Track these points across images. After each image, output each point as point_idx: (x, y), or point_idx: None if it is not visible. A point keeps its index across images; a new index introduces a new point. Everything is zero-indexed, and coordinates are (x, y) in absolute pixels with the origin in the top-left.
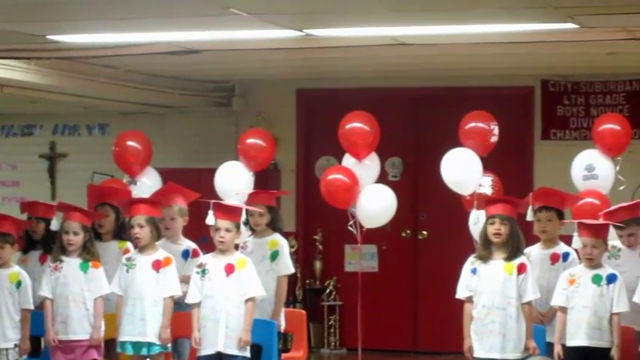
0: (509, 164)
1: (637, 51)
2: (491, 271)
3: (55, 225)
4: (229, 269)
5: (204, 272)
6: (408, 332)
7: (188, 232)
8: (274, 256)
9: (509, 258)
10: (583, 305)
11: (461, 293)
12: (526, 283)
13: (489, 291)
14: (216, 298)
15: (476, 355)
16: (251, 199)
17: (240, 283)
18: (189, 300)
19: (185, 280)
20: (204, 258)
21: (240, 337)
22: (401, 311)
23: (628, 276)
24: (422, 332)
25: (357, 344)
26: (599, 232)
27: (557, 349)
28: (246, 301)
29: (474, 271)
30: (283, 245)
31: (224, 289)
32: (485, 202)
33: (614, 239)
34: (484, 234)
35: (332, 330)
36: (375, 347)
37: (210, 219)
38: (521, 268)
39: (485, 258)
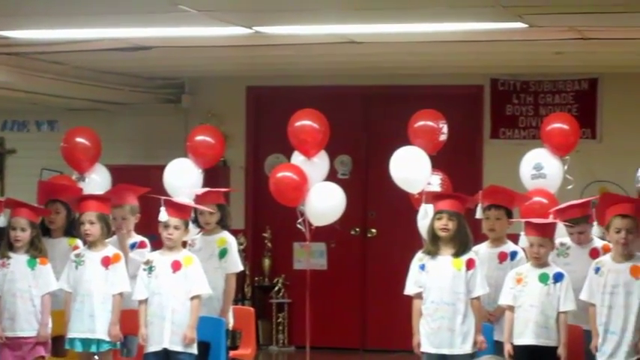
0: (458, 163)
1: (586, 50)
2: (440, 266)
3: (2, 221)
4: (176, 266)
5: (151, 269)
6: (357, 330)
7: (136, 229)
8: (223, 253)
9: (458, 254)
10: (530, 304)
11: (409, 289)
12: (475, 278)
13: (438, 287)
14: (163, 295)
15: (425, 350)
16: (201, 199)
17: (186, 280)
18: (135, 297)
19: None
20: (151, 255)
21: (185, 334)
22: (349, 309)
23: (577, 274)
24: (370, 330)
25: (306, 342)
26: (546, 231)
27: (508, 348)
28: (192, 298)
29: (422, 267)
30: (232, 243)
31: (170, 286)
32: (433, 197)
33: (562, 236)
34: (432, 229)
35: (280, 327)
36: (323, 345)
37: (163, 215)
38: (470, 264)
39: (433, 254)
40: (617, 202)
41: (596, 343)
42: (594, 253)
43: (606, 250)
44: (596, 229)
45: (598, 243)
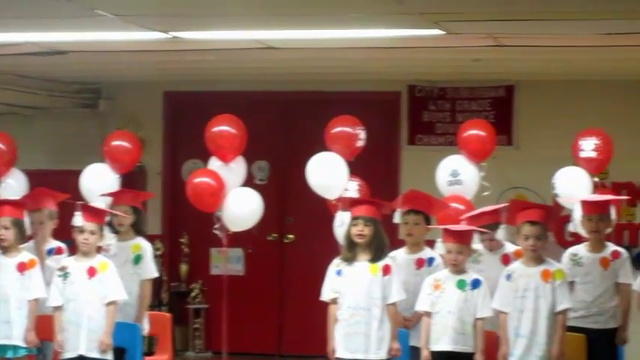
0: (375, 169)
1: (502, 57)
2: (356, 272)
3: None
4: (91, 272)
5: (66, 275)
6: (274, 335)
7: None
8: (137, 259)
9: (374, 259)
10: (448, 310)
11: (326, 295)
12: (391, 284)
13: (354, 292)
14: (78, 302)
15: (340, 356)
16: (116, 198)
17: (101, 286)
18: (50, 303)
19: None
20: (66, 261)
21: (101, 340)
22: (266, 314)
23: (491, 282)
24: (287, 335)
25: (222, 347)
26: (463, 238)
27: (425, 354)
28: (108, 304)
29: (338, 273)
30: (146, 249)
31: (86, 292)
32: (349, 203)
33: (474, 243)
34: (348, 235)
35: (197, 333)
36: (240, 350)
37: (78, 220)
38: (386, 270)
39: (349, 259)
40: (526, 208)
41: (504, 351)
42: (505, 259)
43: (518, 255)
44: (502, 232)
45: (509, 248)
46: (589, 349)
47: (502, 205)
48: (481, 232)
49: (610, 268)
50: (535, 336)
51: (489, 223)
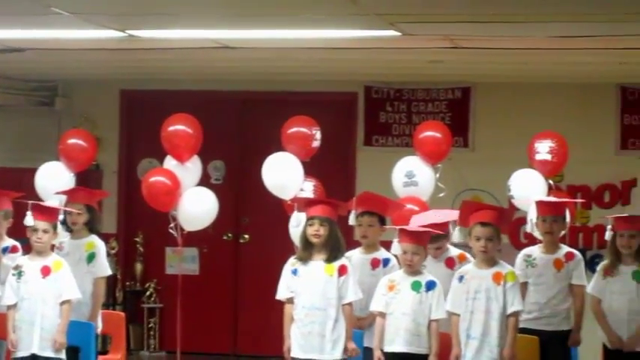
0: (331, 169)
1: (459, 59)
2: (312, 272)
3: None
4: (45, 271)
5: (20, 274)
6: (228, 335)
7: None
8: (91, 258)
9: (330, 259)
10: (402, 312)
11: (281, 294)
12: (347, 284)
13: (310, 292)
14: (32, 300)
15: (295, 355)
16: (71, 197)
17: (56, 285)
18: (4, 302)
19: None
20: (21, 260)
21: (55, 339)
22: (221, 314)
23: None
24: (242, 335)
25: (177, 347)
26: (419, 239)
27: (377, 355)
28: (62, 303)
29: (294, 272)
30: (100, 247)
31: (40, 291)
32: (305, 203)
33: None
34: (304, 235)
35: (152, 332)
36: (194, 350)
37: (29, 220)
38: (342, 270)
39: (305, 259)
40: (478, 210)
41: (456, 352)
42: (450, 263)
43: (462, 258)
44: (457, 234)
45: (453, 252)
46: (542, 351)
47: (448, 220)
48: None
49: (563, 270)
50: (486, 338)
51: (438, 233)
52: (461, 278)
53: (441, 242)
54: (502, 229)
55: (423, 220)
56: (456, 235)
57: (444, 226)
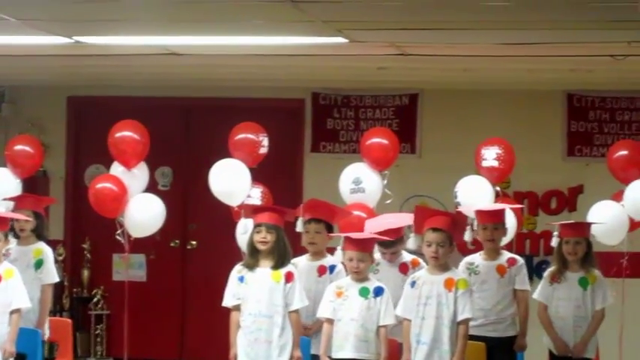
0: (279, 176)
1: (406, 66)
2: (259, 279)
3: None
4: None
5: None
6: (175, 341)
7: None
8: (39, 264)
9: (277, 266)
10: (350, 318)
11: (228, 301)
12: (293, 291)
13: (256, 299)
14: None
15: None
16: (18, 203)
17: (6, 293)
18: None
19: None
20: None
21: (4, 347)
22: (168, 320)
23: (389, 290)
24: (189, 341)
25: (124, 354)
26: (365, 246)
27: None
28: (12, 312)
29: (241, 279)
30: (48, 254)
31: None
32: (251, 210)
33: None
34: (251, 242)
35: (99, 339)
36: (141, 356)
37: None
38: (289, 277)
39: (251, 266)
40: (431, 216)
41: (406, 358)
42: (404, 268)
43: (415, 264)
44: (413, 240)
45: (407, 257)
46: (488, 357)
47: (404, 225)
48: (385, 246)
49: (507, 275)
50: (436, 344)
51: (393, 238)
52: (413, 284)
53: (396, 247)
54: (456, 236)
55: (377, 225)
56: (411, 241)
57: (398, 231)
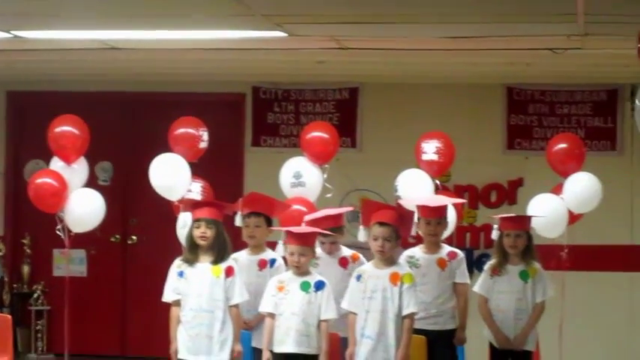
0: (219, 170)
1: (346, 60)
2: (199, 274)
3: None
4: None
5: None
6: (117, 337)
7: None
8: None
9: (217, 261)
10: (291, 312)
11: (167, 296)
12: (233, 285)
13: (196, 294)
14: None
15: (182, 357)
16: None
17: None
18: None
19: None
20: None
21: None
22: (109, 316)
23: (330, 286)
24: (130, 336)
25: (65, 349)
26: (306, 240)
27: (267, 356)
28: None
29: (180, 274)
30: None
31: None
32: (190, 205)
33: None
34: (190, 237)
35: (39, 335)
36: (83, 352)
37: None
38: (229, 271)
39: (191, 261)
40: (378, 209)
41: (351, 351)
42: (344, 262)
43: (355, 258)
44: (362, 234)
45: (347, 252)
46: (429, 350)
47: (342, 210)
48: (324, 235)
49: (447, 269)
50: (381, 337)
51: (332, 226)
52: (359, 277)
53: (335, 237)
54: (402, 230)
55: (316, 214)
56: (361, 234)
57: (337, 219)
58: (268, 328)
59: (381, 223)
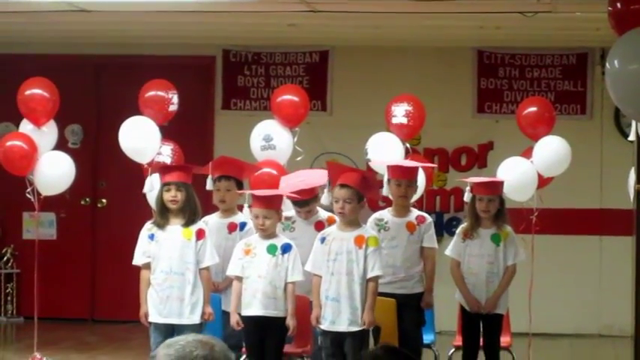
0: (189, 133)
1: (316, 23)
2: (169, 237)
3: None
4: None
5: None
6: (87, 300)
7: None
8: None
9: (187, 224)
10: (258, 275)
11: (138, 260)
12: (204, 248)
13: (167, 257)
14: None
15: (153, 320)
16: None
17: None
18: None
19: None
20: None
21: None
22: (79, 279)
23: (304, 248)
24: (100, 300)
25: (34, 312)
26: (270, 203)
27: (235, 319)
28: None
29: (151, 237)
30: None
31: None
32: (159, 169)
33: (288, 210)
34: (160, 201)
35: (9, 298)
36: (52, 315)
37: None
38: (200, 234)
39: (162, 225)
40: (342, 172)
41: (317, 314)
42: (319, 226)
43: (331, 221)
44: (327, 196)
45: (323, 215)
46: (398, 314)
47: (319, 185)
48: (298, 205)
49: (416, 233)
50: (346, 300)
51: (308, 198)
52: (323, 240)
53: (310, 206)
54: (369, 193)
55: (292, 185)
56: (324, 197)
57: (311, 190)
58: (236, 291)
59: (342, 185)
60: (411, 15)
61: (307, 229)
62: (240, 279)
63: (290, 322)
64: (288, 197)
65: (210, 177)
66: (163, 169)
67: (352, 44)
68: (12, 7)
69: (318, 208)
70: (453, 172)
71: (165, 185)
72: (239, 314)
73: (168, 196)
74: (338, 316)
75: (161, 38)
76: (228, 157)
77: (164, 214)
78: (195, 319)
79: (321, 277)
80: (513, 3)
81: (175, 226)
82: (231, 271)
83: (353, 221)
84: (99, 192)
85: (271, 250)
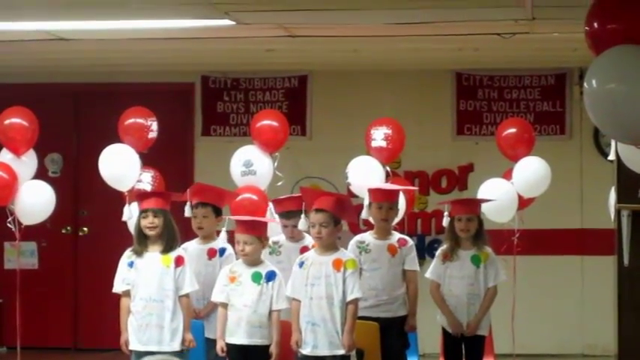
0: (170, 160)
1: (295, 48)
2: (148, 264)
3: None
4: None
5: None
6: (69, 329)
7: None
8: None
9: (166, 250)
10: (243, 304)
11: (118, 287)
12: (184, 275)
13: (146, 284)
14: None
15: (133, 348)
16: None
17: None
18: None
19: None
20: None
21: None
22: (61, 308)
23: (289, 272)
24: (82, 329)
25: (17, 342)
26: (253, 229)
27: (221, 345)
28: None
29: (130, 265)
30: None
31: None
32: (137, 196)
33: (276, 235)
34: (138, 228)
35: None
36: (35, 345)
37: None
38: (179, 261)
39: (140, 252)
40: (316, 197)
41: (296, 338)
42: (305, 250)
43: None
44: (303, 222)
45: (308, 241)
46: (381, 337)
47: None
48: (285, 217)
49: (397, 255)
50: (326, 324)
51: (292, 209)
52: (301, 264)
53: (297, 219)
54: (345, 216)
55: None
56: (301, 223)
57: (299, 202)
58: (221, 318)
59: (318, 210)
60: (390, 38)
61: (294, 253)
62: (225, 306)
63: (274, 349)
64: (276, 212)
65: (188, 203)
66: (141, 195)
67: (331, 68)
68: None
69: (305, 234)
70: (434, 194)
71: (142, 212)
72: (224, 341)
73: (145, 223)
74: (319, 340)
75: (140, 65)
76: (204, 185)
77: (142, 241)
78: (175, 346)
79: (300, 301)
80: (491, 25)
81: (154, 253)
82: (216, 297)
83: (330, 245)
84: (80, 220)
85: (256, 278)
